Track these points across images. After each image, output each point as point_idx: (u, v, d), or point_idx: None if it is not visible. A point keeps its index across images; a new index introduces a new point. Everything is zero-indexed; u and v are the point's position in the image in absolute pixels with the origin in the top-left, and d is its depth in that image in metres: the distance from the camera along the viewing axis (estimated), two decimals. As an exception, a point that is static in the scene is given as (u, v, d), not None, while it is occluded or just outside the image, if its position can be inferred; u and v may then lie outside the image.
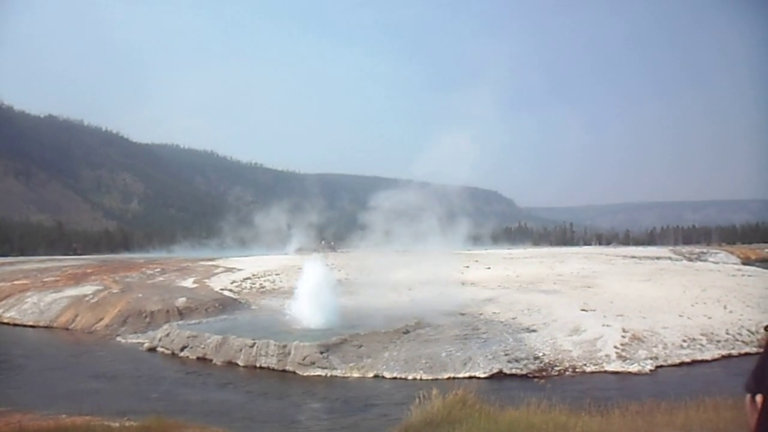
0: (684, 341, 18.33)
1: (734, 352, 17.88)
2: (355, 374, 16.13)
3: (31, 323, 27.54)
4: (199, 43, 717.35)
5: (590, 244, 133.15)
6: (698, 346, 18.11)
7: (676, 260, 55.64)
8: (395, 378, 15.75)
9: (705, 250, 74.35)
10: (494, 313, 23.36)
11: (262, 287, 34.31)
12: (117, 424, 10.14)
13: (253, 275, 38.57)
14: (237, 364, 17.52)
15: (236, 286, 34.42)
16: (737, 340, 18.84)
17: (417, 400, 9.79)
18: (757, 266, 48.99)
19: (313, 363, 16.53)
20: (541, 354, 17.09)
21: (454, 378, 15.16)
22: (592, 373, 15.97)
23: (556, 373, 15.89)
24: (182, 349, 19.32)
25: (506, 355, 16.78)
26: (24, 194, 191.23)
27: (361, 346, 17.53)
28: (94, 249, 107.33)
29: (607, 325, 19.40)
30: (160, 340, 20.74)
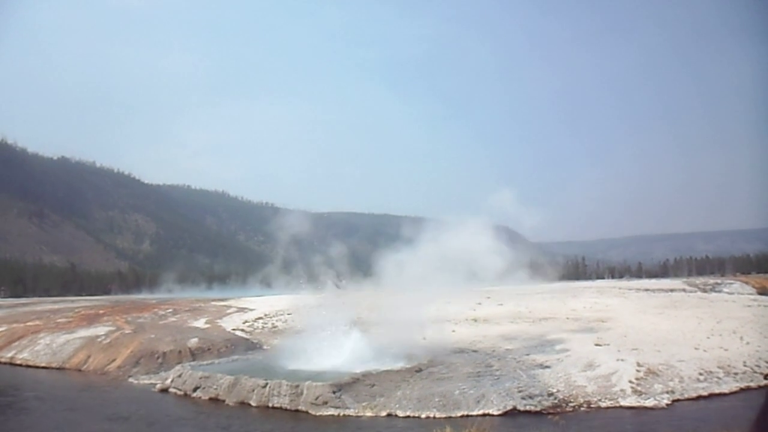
0: (700, 374, 18.12)
1: (752, 384, 17.64)
2: (368, 413, 16.02)
3: (43, 364, 27.59)
4: (209, 85, 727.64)
5: (603, 278, 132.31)
6: (715, 379, 17.88)
7: (690, 292, 55.05)
8: (408, 416, 15.62)
9: (719, 281, 73.48)
10: (507, 349, 23.20)
11: (275, 327, 34.25)
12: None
13: (266, 315, 38.54)
14: (250, 405, 17.46)
15: (248, 326, 34.37)
16: (755, 372, 18.59)
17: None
18: (773, 296, 48.43)
19: (326, 402, 16.44)
20: (555, 390, 16.93)
21: (467, 416, 15.05)
22: (607, 408, 15.79)
23: (571, 409, 15.71)
24: (195, 390, 19.28)
25: (520, 391, 16.63)
26: (37, 235, 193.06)
27: (373, 385, 17.43)
28: (106, 290, 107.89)
29: (622, 360, 19.22)
30: (172, 381, 20.71)
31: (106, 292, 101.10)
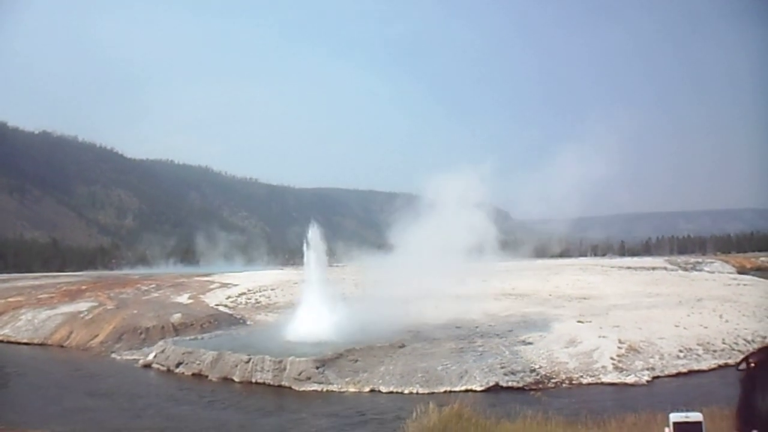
0: (680, 351, 18.34)
1: (731, 361, 17.83)
2: (351, 389, 16.07)
3: (25, 340, 27.33)
4: (193, 59, 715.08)
5: (585, 256, 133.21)
6: (695, 356, 18.12)
7: (672, 270, 55.74)
8: (391, 392, 15.68)
9: (700, 260, 74.48)
10: (490, 326, 23.32)
11: (258, 302, 34.21)
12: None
13: (249, 290, 38.46)
14: (233, 380, 17.43)
15: (231, 302, 34.30)
16: (733, 349, 18.85)
17: (413, 413, 9.76)
18: (753, 275, 49.24)
19: (309, 378, 16.45)
20: (537, 366, 17.05)
21: (450, 391, 15.11)
22: (589, 384, 15.95)
23: (553, 386, 15.86)
24: (177, 366, 19.20)
25: (502, 368, 16.73)
26: (18, 211, 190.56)
27: (357, 360, 17.46)
28: (88, 265, 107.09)
29: (603, 337, 19.38)
30: (155, 356, 20.62)
31: (109, 268, 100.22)
